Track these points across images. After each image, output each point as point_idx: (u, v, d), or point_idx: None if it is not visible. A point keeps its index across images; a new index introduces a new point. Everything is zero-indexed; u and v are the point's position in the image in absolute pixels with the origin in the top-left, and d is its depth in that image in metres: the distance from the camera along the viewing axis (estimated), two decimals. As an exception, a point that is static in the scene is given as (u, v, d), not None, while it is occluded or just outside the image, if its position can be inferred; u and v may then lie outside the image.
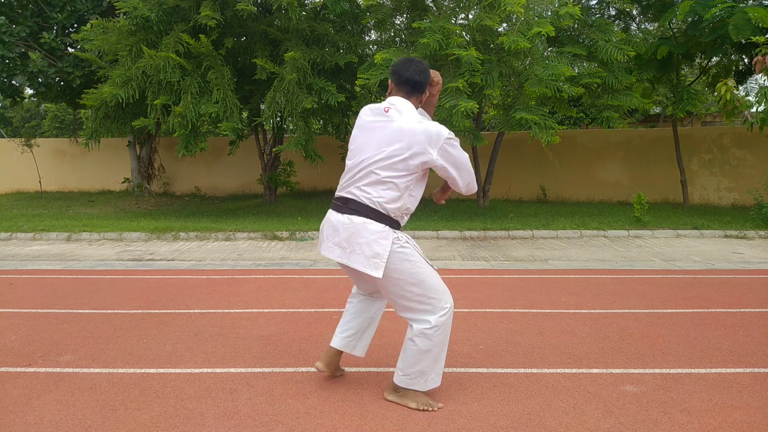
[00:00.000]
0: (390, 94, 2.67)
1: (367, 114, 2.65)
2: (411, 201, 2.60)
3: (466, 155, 2.60)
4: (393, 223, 2.56)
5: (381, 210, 2.52)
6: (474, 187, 2.67)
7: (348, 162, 2.64)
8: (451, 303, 2.61)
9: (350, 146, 2.67)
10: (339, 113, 11.27)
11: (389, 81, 2.69)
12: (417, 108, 2.68)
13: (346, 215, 2.55)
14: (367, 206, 2.51)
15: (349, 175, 2.60)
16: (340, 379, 3.01)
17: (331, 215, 2.63)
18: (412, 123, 2.50)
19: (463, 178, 2.60)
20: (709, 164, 13.00)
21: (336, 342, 2.89)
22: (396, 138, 2.49)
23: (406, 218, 2.66)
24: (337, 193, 2.65)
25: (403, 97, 2.62)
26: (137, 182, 14.52)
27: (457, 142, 2.55)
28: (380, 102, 2.70)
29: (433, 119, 2.77)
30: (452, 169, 2.54)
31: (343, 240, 2.55)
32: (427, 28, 8.59)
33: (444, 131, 2.50)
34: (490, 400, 2.74)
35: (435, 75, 2.72)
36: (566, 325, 3.97)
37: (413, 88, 2.62)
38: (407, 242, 2.60)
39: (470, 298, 4.77)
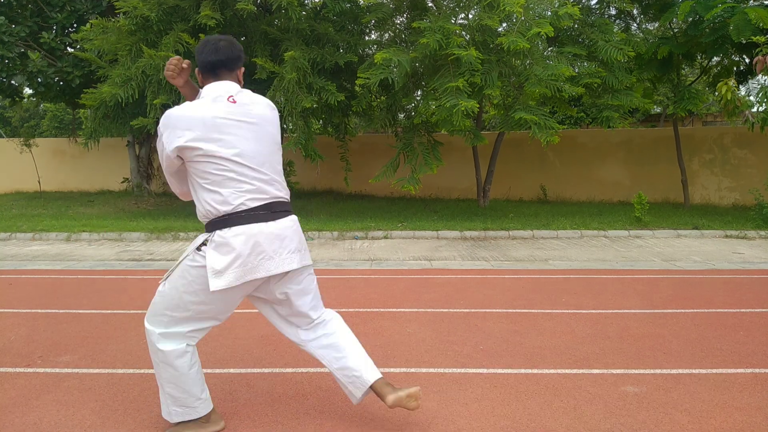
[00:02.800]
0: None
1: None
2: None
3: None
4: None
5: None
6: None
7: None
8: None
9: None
10: (339, 113, 11.26)
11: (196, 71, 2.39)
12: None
13: (288, 218, 2.34)
14: (286, 201, 2.38)
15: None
16: (340, 380, 3.00)
17: (268, 227, 2.25)
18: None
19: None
20: (710, 164, 12.99)
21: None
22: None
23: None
24: (252, 203, 2.24)
25: (228, 80, 2.34)
26: (137, 182, 14.51)
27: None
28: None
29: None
30: None
31: (299, 243, 2.34)
32: (427, 28, 8.58)
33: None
34: (490, 400, 2.74)
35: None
36: (566, 326, 3.96)
37: (229, 67, 2.35)
38: None
39: (470, 298, 4.76)
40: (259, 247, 2.23)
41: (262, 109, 2.31)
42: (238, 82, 2.36)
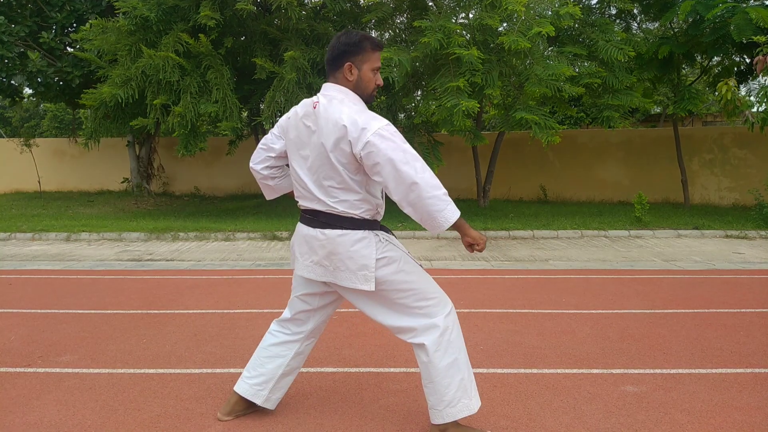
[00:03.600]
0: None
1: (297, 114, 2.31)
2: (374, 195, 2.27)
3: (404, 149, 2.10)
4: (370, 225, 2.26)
5: (355, 216, 2.22)
6: (423, 203, 2.08)
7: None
8: (451, 303, 2.33)
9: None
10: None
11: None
12: (352, 91, 2.24)
13: (319, 230, 2.25)
14: (339, 215, 2.21)
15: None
16: (340, 380, 3.00)
17: (303, 230, 2.31)
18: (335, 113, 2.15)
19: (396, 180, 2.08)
20: (710, 164, 12.99)
21: (241, 387, 2.51)
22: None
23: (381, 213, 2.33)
24: (303, 206, 2.32)
25: (330, 82, 2.27)
26: (136, 182, 14.51)
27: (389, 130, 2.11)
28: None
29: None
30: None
31: (325, 257, 2.24)
32: (428, 27, 8.58)
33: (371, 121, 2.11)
34: (490, 400, 2.73)
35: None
36: (566, 326, 3.96)
37: (329, 68, 2.27)
38: (388, 240, 2.28)
39: (470, 298, 4.76)
40: (294, 246, 2.39)
41: (327, 122, 2.15)
42: (345, 82, 2.23)
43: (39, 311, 4.38)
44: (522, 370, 3.12)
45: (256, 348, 2.56)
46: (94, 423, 2.53)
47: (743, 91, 13.47)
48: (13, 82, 12.61)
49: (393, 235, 2.36)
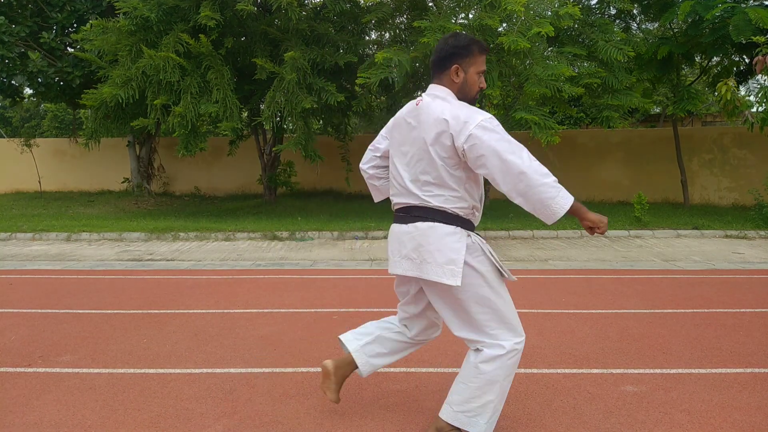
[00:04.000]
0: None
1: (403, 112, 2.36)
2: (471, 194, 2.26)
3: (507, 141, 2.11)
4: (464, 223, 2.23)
5: (448, 210, 2.21)
6: (529, 186, 2.07)
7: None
8: (524, 335, 2.24)
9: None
10: (339, 113, 11.27)
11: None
12: (455, 93, 2.25)
13: (410, 224, 2.25)
14: (432, 208, 2.21)
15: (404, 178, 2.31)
16: (340, 380, 3.00)
17: (396, 229, 2.34)
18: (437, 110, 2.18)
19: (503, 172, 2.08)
20: (710, 164, 13.00)
21: (348, 343, 2.49)
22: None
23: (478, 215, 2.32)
24: (396, 204, 2.36)
25: (435, 83, 2.29)
26: (137, 182, 14.51)
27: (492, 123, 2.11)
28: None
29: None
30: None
31: (413, 249, 2.22)
32: (428, 28, 8.58)
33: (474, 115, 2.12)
34: (490, 401, 2.73)
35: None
36: (566, 325, 3.96)
37: (435, 69, 2.29)
38: (482, 250, 2.22)
39: (470, 298, 4.76)
40: (389, 246, 2.38)
41: (428, 117, 2.18)
42: (451, 84, 2.24)
43: (39, 311, 4.38)
44: (522, 370, 3.12)
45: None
46: (94, 423, 2.53)
47: (742, 91, 13.47)
48: (13, 82, 12.62)
49: (487, 244, 2.28)
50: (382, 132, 2.50)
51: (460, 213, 2.21)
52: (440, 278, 2.13)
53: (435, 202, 2.19)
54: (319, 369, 3.11)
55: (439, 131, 2.14)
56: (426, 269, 2.17)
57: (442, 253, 2.15)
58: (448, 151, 2.15)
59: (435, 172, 2.18)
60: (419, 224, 2.21)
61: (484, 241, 2.27)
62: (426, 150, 2.17)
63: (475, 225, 2.30)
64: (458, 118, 2.11)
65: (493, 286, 2.19)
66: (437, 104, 2.18)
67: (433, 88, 2.27)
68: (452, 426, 2.23)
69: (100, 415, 2.60)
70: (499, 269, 2.23)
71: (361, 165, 2.57)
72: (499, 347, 2.17)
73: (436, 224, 2.18)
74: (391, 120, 2.43)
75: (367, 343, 2.47)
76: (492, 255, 2.23)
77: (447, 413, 2.24)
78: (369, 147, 2.55)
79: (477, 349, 2.21)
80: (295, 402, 2.73)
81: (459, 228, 2.19)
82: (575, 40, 9.98)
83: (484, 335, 2.19)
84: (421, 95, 2.31)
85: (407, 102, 2.45)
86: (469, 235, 2.21)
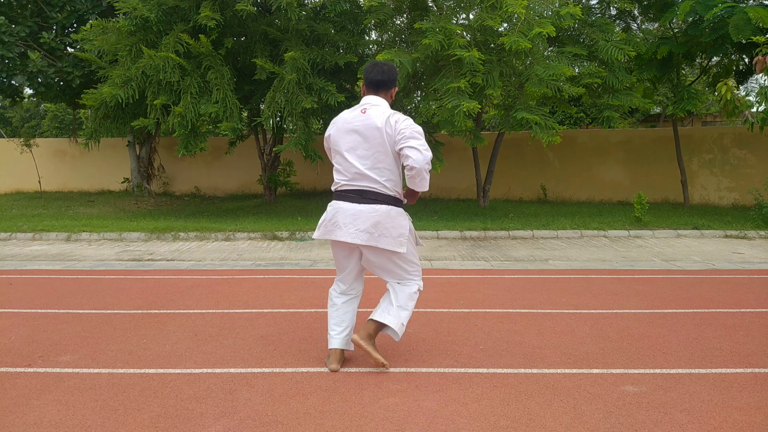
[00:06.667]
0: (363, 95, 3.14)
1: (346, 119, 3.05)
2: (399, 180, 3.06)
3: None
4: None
5: (395, 195, 3.01)
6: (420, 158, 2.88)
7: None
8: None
9: (337, 147, 3.06)
10: (339, 113, 11.27)
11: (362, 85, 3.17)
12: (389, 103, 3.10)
13: (368, 205, 2.95)
14: (386, 194, 2.97)
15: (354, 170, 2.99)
16: (340, 379, 3.01)
17: (350, 206, 2.97)
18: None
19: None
20: (710, 164, 13.00)
21: (337, 343, 3.16)
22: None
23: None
24: (350, 187, 3.00)
25: (373, 95, 3.09)
26: (137, 182, 14.51)
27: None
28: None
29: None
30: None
31: (372, 226, 2.93)
32: (429, 29, 8.58)
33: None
34: (490, 400, 2.74)
35: None
36: (566, 326, 3.96)
37: (380, 87, 3.09)
38: (411, 225, 3.11)
39: (470, 298, 4.77)
40: (338, 218, 2.98)
41: (375, 122, 2.93)
42: (390, 99, 3.12)
43: (39, 311, 4.38)
44: (522, 370, 3.12)
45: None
46: (94, 423, 2.53)
47: (742, 91, 13.47)
48: (13, 82, 12.62)
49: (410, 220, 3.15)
50: (327, 136, 3.14)
51: (398, 196, 3.05)
52: (393, 248, 2.95)
53: (380, 187, 2.96)
54: (320, 369, 3.12)
55: (383, 133, 2.92)
56: (382, 241, 2.94)
57: (395, 230, 2.96)
58: (393, 144, 2.94)
59: (381, 164, 2.96)
60: (380, 207, 2.94)
61: (411, 219, 3.13)
62: (383, 146, 2.94)
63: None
64: (398, 121, 2.94)
65: (415, 249, 3.16)
66: (381, 112, 2.97)
67: (374, 99, 3.05)
68: (387, 327, 3.08)
69: (100, 415, 2.60)
70: (415, 237, 3.17)
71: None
72: (417, 285, 3.15)
73: (391, 207, 2.97)
74: (335, 127, 3.08)
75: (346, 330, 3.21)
76: (412, 228, 3.12)
77: (394, 321, 3.05)
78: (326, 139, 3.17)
79: (399, 284, 3.12)
80: (295, 402, 2.73)
81: (402, 209, 3.05)
82: (576, 40, 9.98)
83: (407, 280, 3.13)
84: (366, 107, 3.02)
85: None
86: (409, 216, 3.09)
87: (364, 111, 2.97)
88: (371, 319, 3.07)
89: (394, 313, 3.05)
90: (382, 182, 2.94)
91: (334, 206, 3.02)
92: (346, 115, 3.05)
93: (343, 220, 2.96)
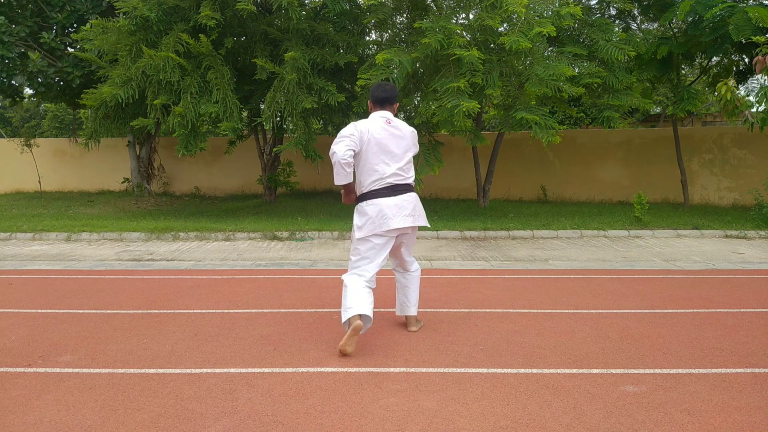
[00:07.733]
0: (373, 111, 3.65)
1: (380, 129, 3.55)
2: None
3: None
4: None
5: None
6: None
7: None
8: None
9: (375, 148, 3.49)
10: (339, 113, 11.25)
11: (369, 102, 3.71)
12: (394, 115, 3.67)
13: (405, 194, 3.54)
14: (410, 184, 3.62)
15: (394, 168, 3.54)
16: (340, 380, 3.01)
17: (390, 200, 3.47)
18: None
19: None
20: (710, 164, 13.00)
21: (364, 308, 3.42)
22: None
23: None
24: (384, 184, 3.48)
25: (382, 110, 3.64)
26: (137, 182, 14.51)
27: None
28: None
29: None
30: None
31: (412, 210, 3.52)
32: (428, 28, 8.57)
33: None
34: (490, 400, 2.74)
35: None
36: (566, 326, 3.96)
37: (386, 102, 3.66)
38: None
39: (470, 298, 4.77)
40: (387, 210, 3.45)
41: (404, 130, 3.56)
42: (394, 112, 3.66)
43: (39, 311, 4.38)
44: (522, 370, 3.12)
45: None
46: (94, 423, 2.53)
47: (742, 90, 13.47)
48: (13, 82, 12.61)
49: None
50: (354, 140, 3.41)
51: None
52: (426, 223, 3.65)
53: (409, 179, 3.60)
54: (319, 369, 3.11)
55: (410, 138, 3.61)
56: (420, 220, 3.59)
57: (422, 209, 3.66)
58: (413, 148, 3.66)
59: (409, 157, 3.61)
60: (411, 194, 3.58)
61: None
62: (408, 149, 3.60)
63: None
64: (412, 131, 3.66)
65: None
66: (400, 122, 3.62)
67: (386, 113, 3.60)
68: (414, 317, 3.83)
69: (100, 415, 2.60)
70: None
71: (341, 155, 3.30)
72: (416, 263, 3.89)
73: (415, 194, 3.64)
74: (362, 132, 3.45)
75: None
76: None
77: (413, 310, 3.81)
78: (346, 146, 3.34)
79: (413, 263, 3.83)
80: (295, 402, 2.73)
81: None
82: (576, 40, 9.97)
83: (412, 258, 3.83)
84: (383, 117, 3.57)
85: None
86: None
87: (389, 122, 3.52)
88: (409, 315, 3.82)
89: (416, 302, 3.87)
90: (407, 176, 3.56)
91: (374, 203, 3.45)
92: (373, 125, 3.48)
93: (390, 212, 3.44)
